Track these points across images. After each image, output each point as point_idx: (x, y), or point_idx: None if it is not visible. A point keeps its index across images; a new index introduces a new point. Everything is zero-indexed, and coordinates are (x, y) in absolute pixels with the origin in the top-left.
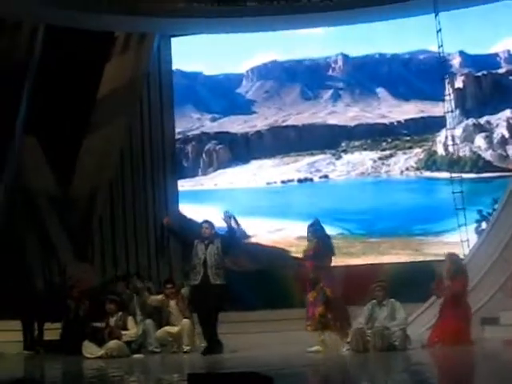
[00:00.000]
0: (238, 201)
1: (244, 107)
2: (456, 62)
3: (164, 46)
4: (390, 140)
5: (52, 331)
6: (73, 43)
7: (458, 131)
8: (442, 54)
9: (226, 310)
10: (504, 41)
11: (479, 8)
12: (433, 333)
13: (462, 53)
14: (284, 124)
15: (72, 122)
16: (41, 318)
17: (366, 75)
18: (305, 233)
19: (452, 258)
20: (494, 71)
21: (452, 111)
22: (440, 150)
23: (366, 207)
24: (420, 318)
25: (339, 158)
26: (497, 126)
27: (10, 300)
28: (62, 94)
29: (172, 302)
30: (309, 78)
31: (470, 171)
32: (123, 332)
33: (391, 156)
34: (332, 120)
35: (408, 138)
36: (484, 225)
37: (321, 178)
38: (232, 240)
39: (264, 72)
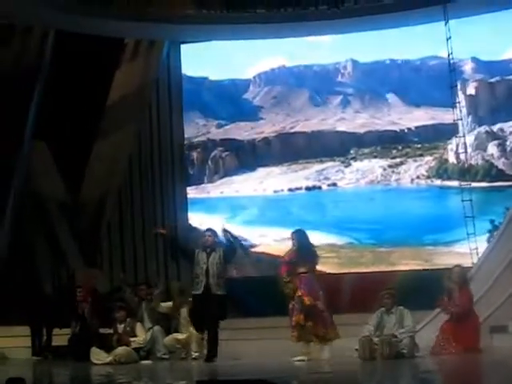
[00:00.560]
0: (245, 209)
1: (251, 113)
2: (468, 68)
3: (173, 52)
4: (400, 147)
5: (60, 337)
6: (83, 49)
7: (470, 139)
8: (452, 62)
9: (225, 319)
10: None
11: (489, 15)
12: (440, 341)
13: (474, 59)
14: (292, 131)
15: (81, 127)
16: (49, 323)
17: (376, 81)
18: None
19: (457, 270)
20: (507, 77)
21: (462, 118)
22: (451, 158)
23: (375, 216)
24: (429, 325)
25: (348, 165)
26: (510, 133)
27: (18, 305)
28: (71, 100)
29: (183, 310)
30: (317, 83)
31: (483, 180)
32: (132, 338)
33: (401, 164)
34: (341, 127)
35: (419, 145)
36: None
37: (329, 185)
38: (232, 251)
39: (272, 77)
